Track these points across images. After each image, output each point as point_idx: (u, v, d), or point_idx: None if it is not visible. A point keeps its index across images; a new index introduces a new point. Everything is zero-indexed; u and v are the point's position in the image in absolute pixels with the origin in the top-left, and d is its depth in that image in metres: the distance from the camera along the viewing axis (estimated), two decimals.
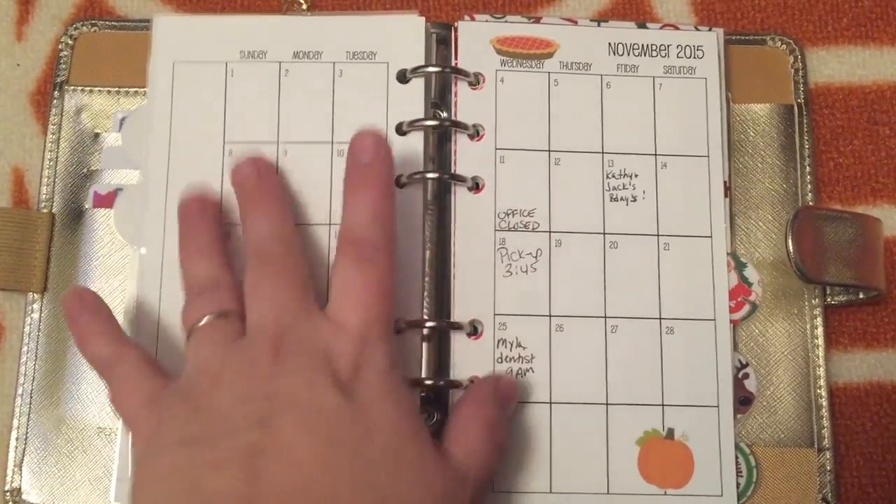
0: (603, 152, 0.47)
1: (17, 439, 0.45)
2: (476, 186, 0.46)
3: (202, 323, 0.40)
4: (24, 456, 0.45)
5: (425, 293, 0.45)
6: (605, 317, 0.45)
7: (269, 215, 0.42)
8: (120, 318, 0.45)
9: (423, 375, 0.44)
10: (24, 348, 0.46)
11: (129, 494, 0.37)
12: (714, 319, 0.45)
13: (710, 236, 0.46)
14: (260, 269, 0.40)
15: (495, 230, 0.46)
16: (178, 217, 0.44)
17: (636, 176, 0.46)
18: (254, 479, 0.34)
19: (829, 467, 0.45)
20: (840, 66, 0.50)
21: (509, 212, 0.46)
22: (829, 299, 0.47)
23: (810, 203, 0.48)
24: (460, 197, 0.46)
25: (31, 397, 0.45)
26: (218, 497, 0.34)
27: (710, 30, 0.48)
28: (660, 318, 0.45)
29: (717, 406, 0.44)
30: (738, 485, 0.44)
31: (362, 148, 0.41)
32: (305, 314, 0.39)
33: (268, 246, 0.41)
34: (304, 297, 0.40)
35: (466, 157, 0.46)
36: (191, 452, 0.35)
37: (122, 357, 0.41)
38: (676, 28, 0.48)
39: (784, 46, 0.50)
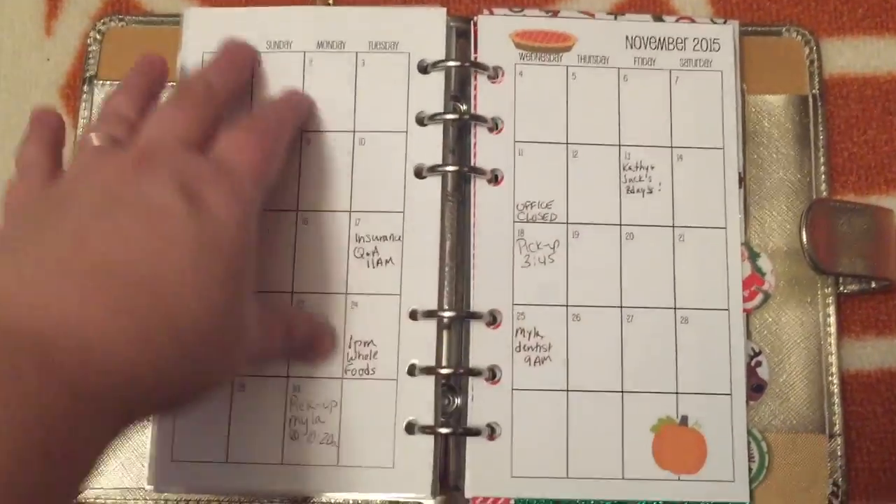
0: (620, 145, 0.47)
1: None
2: (495, 179, 0.47)
3: (93, 142, 0.41)
4: None
5: (445, 282, 0.46)
6: (621, 307, 0.46)
7: (219, 71, 0.45)
8: None
9: (443, 363, 0.45)
10: None
11: None
12: (728, 309, 0.46)
13: (725, 227, 0.47)
14: (173, 99, 0.43)
15: (514, 222, 0.47)
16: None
17: (652, 168, 0.47)
18: (79, 248, 0.35)
19: (839, 453, 0.46)
20: (855, 56, 0.51)
21: (528, 204, 0.47)
22: (841, 288, 0.48)
23: (824, 193, 0.48)
24: (479, 189, 0.47)
25: None
26: (48, 261, 0.35)
27: (725, 22, 0.49)
28: (674, 308, 0.46)
29: (730, 394, 0.45)
30: (749, 470, 0.45)
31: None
32: (189, 145, 0.40)
33: (195, 85, 0.44)
34: (198, 136, 0.41)
35: (486, 149, 0.47)
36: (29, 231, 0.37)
37: (38, 164, 0.42)
38: (692, 21, 0.49)
39: (799, 37, 0.50)
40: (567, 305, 0.46)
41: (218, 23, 0.49)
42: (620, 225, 0.47)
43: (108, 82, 0.50)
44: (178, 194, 0.37)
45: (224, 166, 0.40)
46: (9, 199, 0.42)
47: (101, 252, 0.35)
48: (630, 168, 0.47)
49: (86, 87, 0.50)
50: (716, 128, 0.48)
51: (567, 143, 0.47)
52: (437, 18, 0.49)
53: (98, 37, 0.50)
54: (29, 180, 0.42)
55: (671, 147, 0.47)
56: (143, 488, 0.46)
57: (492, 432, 0.45)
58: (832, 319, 0.47)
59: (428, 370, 0.45)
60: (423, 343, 0.46)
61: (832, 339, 0.47)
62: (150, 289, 0.35)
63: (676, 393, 0.45)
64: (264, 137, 0.43)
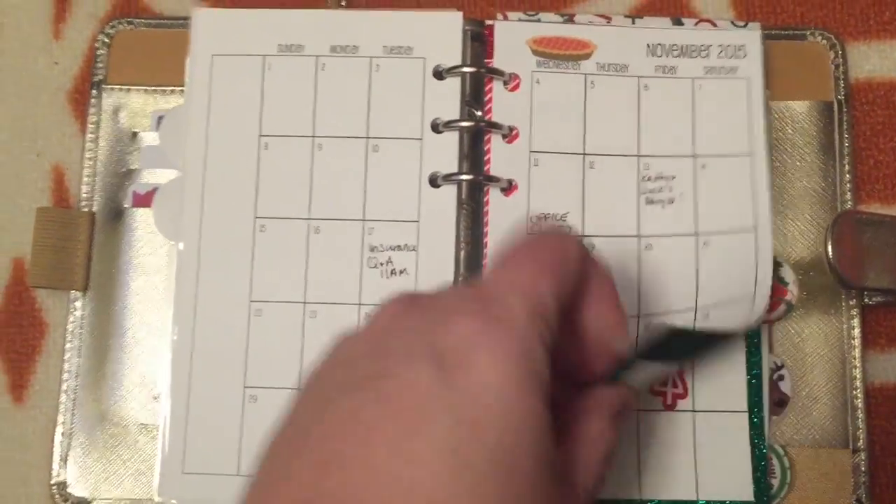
0: (638, 156, 0.46)
1: (62, 434, 0.46)
2: (510, 187, 0.46)
3: None
4: (69, 450, 0.46)
5: None
6: (638, 315, 0.45)
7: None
8: (161, 313, 0.47)
9: None
10: (68, 345, 0.47)
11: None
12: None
13: (755, 234, 0.45)
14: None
15: (528, 233, 0.45)
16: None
17: (673, 178, 0.46)
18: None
19: (863, 468, 0.45)
20: (882, 61, 0.49)
21: (542, 215, 0.46)
22: (866, 299, 0.46)
23: (849, 202, 0.47)
24: (493, 198, 0.46)
25: (76, 393, 0.47)
26: None
27: (745, 25, 0.48)
28: (694, 322, 0.45)
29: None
30: (771, 486, 0.44)
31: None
32: None
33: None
34: None
35: (500, 157, 0.46)
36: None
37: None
38: (713, 24, 0.48)
39: (824, 41, 0.49)
40: None
41: (227, 25, 0.48)
42: (638, 237, 0.46)
43: (118, 87, 0.49)
44: (426, 358, 0.29)
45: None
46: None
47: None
48: (649, 179, 0.46)
49: (94, 92, 0.49)
50: (742, 136, 0.46)
51: (584, 154, 0.46)
52: (453, 23, 0.47)
53: (106, 40, 0.50)
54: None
55: (693, 157, 0.46)
56: (153, 500, 0.45)
57: None
58: (857, 332, 0.46)
59: None
60: None
61: (856, 352, 0.46)
62: None
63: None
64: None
